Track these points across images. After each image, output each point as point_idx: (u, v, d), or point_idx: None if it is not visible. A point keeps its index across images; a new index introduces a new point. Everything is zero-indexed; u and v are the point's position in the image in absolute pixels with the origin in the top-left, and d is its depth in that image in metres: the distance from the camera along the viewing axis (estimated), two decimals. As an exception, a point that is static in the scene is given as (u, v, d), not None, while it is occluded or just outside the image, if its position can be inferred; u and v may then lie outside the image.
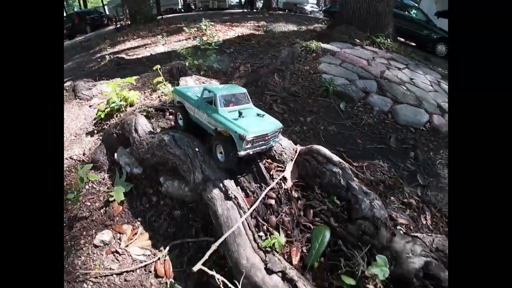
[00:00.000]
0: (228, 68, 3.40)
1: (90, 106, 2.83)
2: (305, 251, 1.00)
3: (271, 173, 1.22)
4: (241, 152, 1.07)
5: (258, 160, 1.22)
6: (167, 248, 1.21)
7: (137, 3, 8.82)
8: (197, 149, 1.20)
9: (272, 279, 0.85)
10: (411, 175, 2.16)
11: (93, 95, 2.96)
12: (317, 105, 2.65)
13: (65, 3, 33.27)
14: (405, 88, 3.18)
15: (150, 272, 1.20)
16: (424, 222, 1.83)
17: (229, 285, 0.80)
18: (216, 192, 1.05)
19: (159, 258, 1.19)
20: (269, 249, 0.94)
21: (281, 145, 1.31)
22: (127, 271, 1.22)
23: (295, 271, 0.88)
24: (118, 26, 9.63)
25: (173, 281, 1.08)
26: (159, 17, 9.30)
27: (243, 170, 1.20)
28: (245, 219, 0.97)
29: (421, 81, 3.58)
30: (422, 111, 2.78)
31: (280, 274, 0.86)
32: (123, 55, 4.57)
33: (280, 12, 13.66)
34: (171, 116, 1.72)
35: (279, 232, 1.01)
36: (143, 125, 1.51)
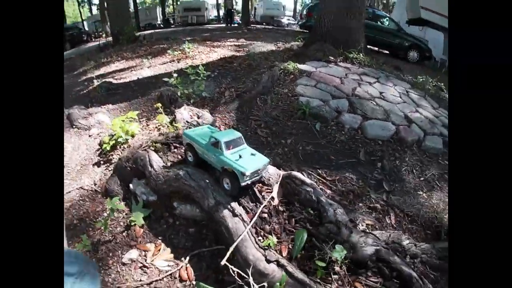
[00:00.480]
0: (215, 94, 3.88)
1: (89, 136, 3.19)
2: (290, 247, 1.52)
3: (262, 194, 1.74)
4: (242, 184, 1.59)
5: (252, 186, 1.73)
6: (188, 258, 1.64)
7: (119, 24, 9.22)
8: (207, 181, 1.70)
9: (271, 266, 1.35)
10: (378, 183, 2.71)
11: (91, 125, 3.32)
12: (296, 127, 3.20)
13: (43, 18, 32.75)
14: (374, 103, 3.78)
15: (176, 278, 1.59)
16: (389, 222, 2.38)
17: (242, 274, 1.28)
18: (226, 212, 1.55)
19: (181, 267, 1.61)
20: (267, 247, 1.45)
21: (268, 172, 1.83)
22: (155, 281, 1.59)
23: (285, 260, 1.39)
24: (101, 45, 9.91)
25: (198, 281, 1.50)
26: (141, 34, 9.70)
27: (242, 194, 1.71)
28: (249, 229, 1.47)
29: (390, 94, 4.19)
30: (389, 124, 3.37)
31: (275, 262, 1.37)
32: (110, 79, 4.91)
33: (258, 26, 14.45)
34: (176, 150, 2.18)
35: (272, 236, 1.52)
36: (157, 161, 1.98)
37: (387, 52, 9.57)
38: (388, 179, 2.74)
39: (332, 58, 5.12)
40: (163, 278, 1.62)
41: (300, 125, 3.26)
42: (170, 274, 1.59)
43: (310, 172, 2.57)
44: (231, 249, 1.37)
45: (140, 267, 1.63)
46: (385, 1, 29.36)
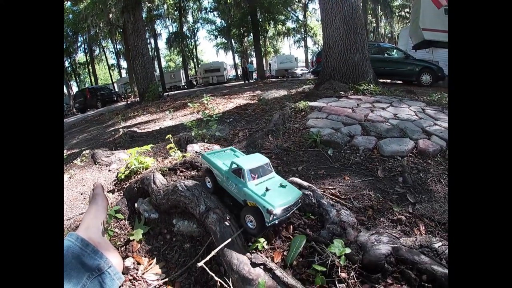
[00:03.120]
0: (229, 135, 4.00)
1: (109, 170, 3.37)
2: (285, 254, 1.31)
3: (257, 204, 1.60)
4: (268, 224, 1.30)
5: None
6: (178, 272, 1.52)
7: (145, 83, 10.44)
8: (201, 190, 1.65)
9: (256, 270, 1.16)
10: (401, 197, 2.41)
11: (112, 162, 3.52)
12: (307, 155, 3.10)
13: (77, 78, 38.17)
14: (388, 124, 3.62)
15: None
16: (418, 233, 2.04)
17: (221, 281, 1.13)
18: (215, 217, 1.44)
19: (170, 280, 1.48)
20: (254, 251, 1.28)
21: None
22: None
23: (274, 264, 1.19)
24: (128, 103, 11.14)
25: None
26: (166, 94, 10.84)
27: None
28: (237, 234, 1.34)
29: (405, 114, 4.03)
30: (406, 139, 3.16)
31: (262, 266, 1.18)
32: (135, 129, 5.35)
33: (274, 79, 15.41)
34: (181, 174, 2.20)
35: (262, 239, 1.36)
36: (160, 179, 2.01)
37: (400, 82, 9.54)
38: (413, 192, 2.45)
39: (342, 93, 5.18)
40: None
41: (312, 153, 3.16)
42: (158, 288, 1.49)
43: (323, 193, 2.39)
44: (213, 252, 1.24)
45: (130, 280, 1.53)
46: (390, 35, 30.55)
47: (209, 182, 1.67)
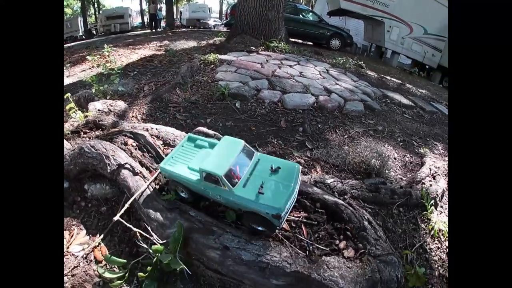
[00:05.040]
0: (133, 90, 3.78)
1: None
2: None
3: (166, 154, 1.74)
4: (280, 225, 1.14)
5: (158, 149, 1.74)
6: (100, 236, 1.56)
7: None
8: (108, 147, 1.67)
9: (173, 214, 1.35)
10: (300, 144, 2.79)
11: None
12: (216, 107, 3.26)
13: None
14: (294, 81, 4.00)
15: (91, 260, 1.51)
16: (315, 173, 2.50)
17: (140, 231, 1.30)
18: (126, 172, 1.53)
19: (95, 247, 1.53)
20: (169, 199, 1.45)
21: (173, 134, 1.86)
22: (73, 268, 1.49)
23: (188, 206, 1.40)
24: None
25: (108, 254, 1.45)
26: None
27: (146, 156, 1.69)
28: (150, 185, 1.49)
29: (310, 72, 4.49)
30: (308, 95, 3.58)
31: (177, 210, 1.37)
32: None
33: (184, 29, 14.32)
34: (85, 135, 2.12)
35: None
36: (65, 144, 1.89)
37: (311, 44, 10.29)
38: (311, 140, 2.86)
39: (253, 48, 5.32)
40: (79, 263, 1.50)
41: (220, 105, 3.31)
42: (85, 258, 1.50)
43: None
44: (127, 204, 1.37)
45: (57, 257, 1.55)
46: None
47: (182, 191, 1.43)
